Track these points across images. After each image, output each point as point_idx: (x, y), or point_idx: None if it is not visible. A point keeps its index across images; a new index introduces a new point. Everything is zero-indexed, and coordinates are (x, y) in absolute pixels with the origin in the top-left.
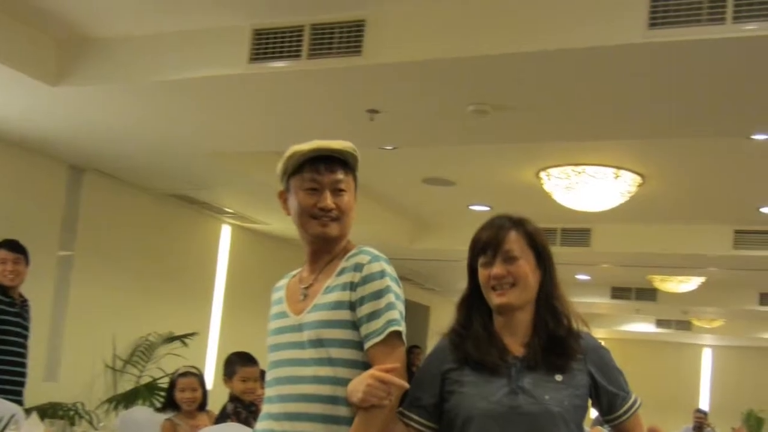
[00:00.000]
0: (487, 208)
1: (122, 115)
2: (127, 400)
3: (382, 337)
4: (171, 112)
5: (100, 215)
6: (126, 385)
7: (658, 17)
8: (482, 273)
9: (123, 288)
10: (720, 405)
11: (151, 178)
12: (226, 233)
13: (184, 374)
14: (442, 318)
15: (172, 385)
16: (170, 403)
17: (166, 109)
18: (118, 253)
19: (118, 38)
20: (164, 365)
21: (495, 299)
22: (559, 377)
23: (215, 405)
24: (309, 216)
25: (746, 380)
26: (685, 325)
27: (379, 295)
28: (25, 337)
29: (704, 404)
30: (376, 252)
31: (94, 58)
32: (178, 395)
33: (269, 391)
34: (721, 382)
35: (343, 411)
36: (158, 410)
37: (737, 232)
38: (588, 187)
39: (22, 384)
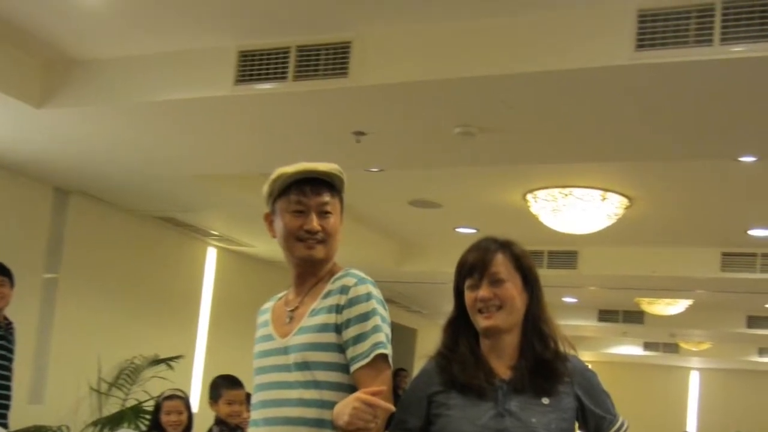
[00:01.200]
0: (473, 231)
1: (107, 137)
2: (112, 423)
3: (368, 360)
4: (156, 134)
5: (86, 237)
6: (111, 408)
7: (646, 39)
8: (469, 295)
9: (108, 310)
10: (707, 428)
11: (137, 200)
12: (211, 255)
13: (170, 397)
14: (429, 341)
15: (158, 408)
16: (156, 426)
17: (152, 130)
18: (104, 276)
19: (103, 60)
20: (150, 388)
21: (482, 322)
22: (546, 400)
23: (201, 428)
24: (295, 238)
25: (733, 403)
26: (672, 348)
27: (365, 317)
28: (10, 359)
29: (692, 427)
30: (362, 274)
31: (79, 80)
32: (164, 418)
33: (255, 414)
34: (709, 405)
35: None
36: None
37: (725, 254)
38: (575, 210)
39: (7, 407)
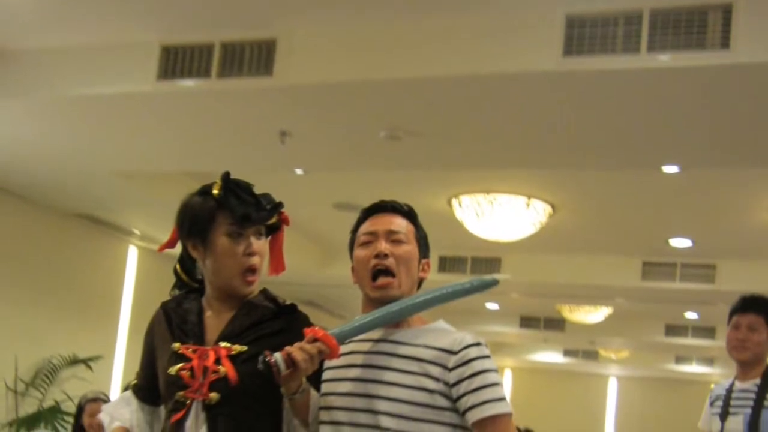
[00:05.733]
0: None
1: (27, 132)
2: (29, 423)
3: None
4: (77, 129)
5: (4, 234)
6: (28, 408)
7: (573, 45)
8: None
9: (26, 309)
10: None
11: (57, 197)
12: (132, 255)
13: (94, 399)
14: None
15: (81, 409)
16: (78, 429)
17: (72, 125)
18: (22, 273)
19: (23, 51)
20: (69, 389)
21: None
22: None
23: None
24: None
25: (650, 411)
26: (592, 356)
27: None
28: None
29: None
30: None
31: None
32: (87, 420)
33: None
34: (626, 412)
35: None
36: None
37: (646, 263)
38: (499, 216)
39: None
